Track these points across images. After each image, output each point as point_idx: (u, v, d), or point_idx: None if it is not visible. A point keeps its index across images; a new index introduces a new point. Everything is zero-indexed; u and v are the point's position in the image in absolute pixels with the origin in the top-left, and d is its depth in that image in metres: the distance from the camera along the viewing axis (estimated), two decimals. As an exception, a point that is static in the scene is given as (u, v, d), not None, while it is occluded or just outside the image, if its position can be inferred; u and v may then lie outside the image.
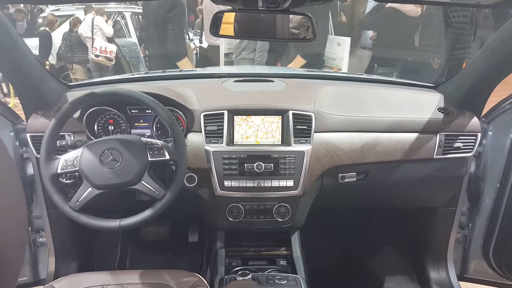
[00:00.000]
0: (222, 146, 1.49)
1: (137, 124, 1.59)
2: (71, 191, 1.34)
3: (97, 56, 5.11)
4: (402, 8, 3.84)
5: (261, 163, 1.46)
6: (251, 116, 1.54)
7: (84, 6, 6.06)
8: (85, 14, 5.88)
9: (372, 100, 1.68)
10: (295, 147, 1.50)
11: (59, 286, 1.29)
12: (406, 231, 2.08)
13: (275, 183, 1.49)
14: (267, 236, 1.72)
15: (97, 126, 1.55)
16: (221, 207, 1.54)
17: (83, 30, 5.58)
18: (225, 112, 1.51)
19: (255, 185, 1.49)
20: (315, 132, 1.52)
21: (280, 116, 1.54)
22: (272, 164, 1.48)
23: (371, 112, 1.60)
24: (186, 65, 3.35)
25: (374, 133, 1.57)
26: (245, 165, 1.47)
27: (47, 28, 5.97)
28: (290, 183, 1.50)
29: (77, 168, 1.25)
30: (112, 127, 1.56)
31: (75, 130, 1.51)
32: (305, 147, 1.50)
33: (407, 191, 1.72)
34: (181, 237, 2.15)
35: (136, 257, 2.13)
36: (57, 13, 7.27)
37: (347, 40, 3.66)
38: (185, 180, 1.52)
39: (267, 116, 1.54)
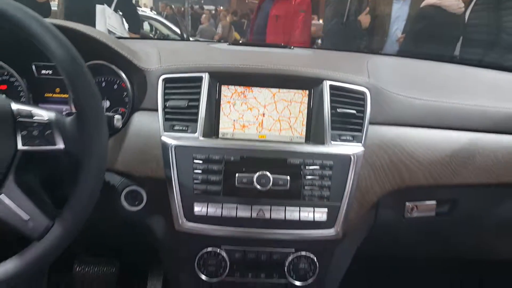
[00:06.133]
0: (195, 138, 0.78)
1: (50, 95, 0.89)
2: None
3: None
4: (442, 3, 3.21)
5: (268, 174, 0.76)
6: (253, 88, 0.84)
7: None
8: None
9: (460, 81, 0.99)
10: (333, 148, 0.79)
11: None
12: None
13: (293, 214, 0.78)
14: None
15: None
16: (187, 253, 0.82)
17: None
18: (205, 76, 0.81)
19: (254, 215, 0.77)
20: (371, 123, 0.82)
21: (307, 91, 0.84)
22: (288, 177, 0.77)
23: (464, 98, 0.90)
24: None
25: (471, 132, 0.87)
26: (237, 175, 0.76)
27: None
28: (320, 215, 0.78)
29: None
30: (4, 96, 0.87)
31: None
32: (352, 149, 0.79)
33: None
34: (137, 283, 1.40)
35: None
36: None
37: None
38: (123, 199, 0.81)
39: (282, 90, 0.84)
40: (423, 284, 1.37)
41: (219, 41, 1.14)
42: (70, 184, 0.69)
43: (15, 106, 0.60)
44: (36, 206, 0.58)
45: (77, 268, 1.35)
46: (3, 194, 0.57)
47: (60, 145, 0.58)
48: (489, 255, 1.11)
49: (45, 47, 0.56)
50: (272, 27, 2.72)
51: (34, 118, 0.59)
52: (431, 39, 3.49)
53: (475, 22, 3.35)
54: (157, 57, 0.86)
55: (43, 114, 0.59)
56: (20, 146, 0.58)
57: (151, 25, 5.64)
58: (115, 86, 0.87)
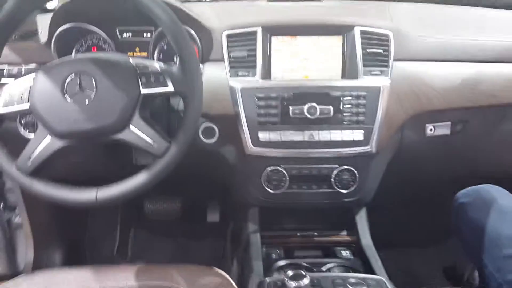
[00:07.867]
0: (256, 81, 0.99)
1: (132, 54, 1.10)
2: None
3: None
4: None
5: (315, 105, 0.96)
6: (297, 37, 1.03)
7: None
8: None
9: (468, 20, 1.16)
10: (365, 81, 0.99)
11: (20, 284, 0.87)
12: None
13: (336, 136, 0.99)
14: (320, 215, 1.22)
15: (74, 56, 1.07)
16: (255, 172, 1.05)
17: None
18: (259, 30, 1.00)
19: (306, 138, 0.99)
20: (395, 60, 1.01)
21: (341, 36, 1.03)
22: (330, 107, 0.97)
23: (470, 35, 1.07)
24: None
25: (477, 63, 1.06)
26: (291, 108, 0.97)
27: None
28: (358, 135, 0.99)
29: (28, 106, 0.78)
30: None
31: (43, 61, 1.03)
32: (380, 81, 0.99)
33: None
34: (198, 216, 1.67)
35: (140, 243, 1.67)
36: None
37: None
38: (200, 134, 1.03)
39: (321, 37, 1.03)
40: (439, 198, 1.58)
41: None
42: (171, 119, 0.91)
43: (132, 61, 0.81)
44: (156, 132, 0.79)
45: (148, 205, 1.62)
46: (132, 126, 0.78)
47: (171, 87, 0.79)
48: (498, 169, 1.31)
49: (154, 14, 0.75)
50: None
51: (149, 68, 0.79)
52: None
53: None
54: (217, 17, 1.05)
55: (155, 65, 0.80)
56: (142, 90, 0.78)
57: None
58: None
